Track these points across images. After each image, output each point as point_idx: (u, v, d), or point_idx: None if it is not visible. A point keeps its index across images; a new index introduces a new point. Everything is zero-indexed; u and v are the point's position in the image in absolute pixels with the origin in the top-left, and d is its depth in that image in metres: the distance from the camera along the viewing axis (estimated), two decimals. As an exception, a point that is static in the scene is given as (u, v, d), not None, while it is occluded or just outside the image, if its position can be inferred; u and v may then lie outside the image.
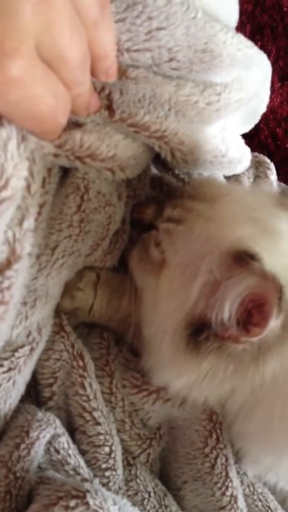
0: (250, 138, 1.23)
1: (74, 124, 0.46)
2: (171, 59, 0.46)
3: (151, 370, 0.53)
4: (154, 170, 0.66)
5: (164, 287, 0.51)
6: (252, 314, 0.44)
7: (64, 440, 0.47)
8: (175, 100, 0.49)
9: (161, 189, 0.62)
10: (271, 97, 1.24)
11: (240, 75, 0.53)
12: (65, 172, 0.49)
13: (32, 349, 0.49)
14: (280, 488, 0.56)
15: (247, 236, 0.47)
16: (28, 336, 0.49)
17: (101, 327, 0.58)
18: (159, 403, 0.53)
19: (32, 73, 0.34)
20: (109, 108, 0.47)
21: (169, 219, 0.53)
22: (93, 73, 0.41)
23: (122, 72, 0.46)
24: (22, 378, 0.49)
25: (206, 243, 0.48)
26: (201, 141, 0.55)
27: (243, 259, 0.44)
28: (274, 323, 0.43)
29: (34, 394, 0.53)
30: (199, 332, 0.46)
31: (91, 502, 0.40)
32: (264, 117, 1.25)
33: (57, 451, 0.46)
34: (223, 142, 0.60)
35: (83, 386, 0.50)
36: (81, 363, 0.51)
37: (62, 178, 0.49)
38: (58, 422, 0.48)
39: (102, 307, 0.57)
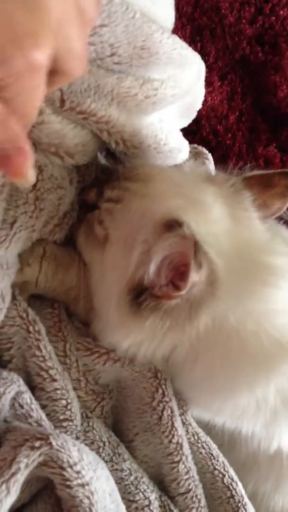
0: (193, 135, 1.26)
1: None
2: (112, 54, 0.51)
3: (100, 333, 0.58)
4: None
5: (108, 260, 0.56)
6: (176, 271, 0.50)
7: (27, 396, 0.52)
8: (117, 91, 0.54)
9: (101, 173, 0.66)
10: (211, 96, 1.29)
11: (175, 73, 0.58)
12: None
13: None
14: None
15: (176, 207, 0.53)
16: None
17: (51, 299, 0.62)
18: (109, 364, 0.58)
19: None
20: (60, 98, 0.52)
21: (109, 199, 0.58)
22: None
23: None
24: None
25: (142, 217, 0.54)
26: (140, 125, 0.60)
27: (172, 226, 0.49)
28: (195, 276, 0.49)
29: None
30: (139, 296, 0.52)
31: (53, 442, 0.45)
32: (206, 115, 1.27)
33: (21, 406, 0.51)
34: (162, 132, 0.65)
35: (39, 348, 0.55)
36: (37, 328, 0.56)
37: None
38: (21, 381, 0.53)
39: (47, 280, 0.60)
